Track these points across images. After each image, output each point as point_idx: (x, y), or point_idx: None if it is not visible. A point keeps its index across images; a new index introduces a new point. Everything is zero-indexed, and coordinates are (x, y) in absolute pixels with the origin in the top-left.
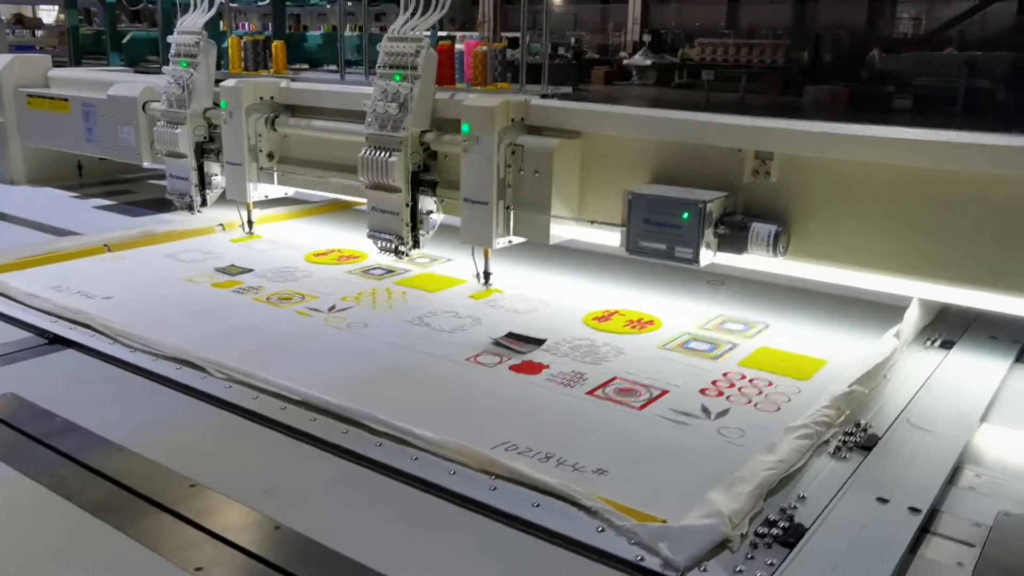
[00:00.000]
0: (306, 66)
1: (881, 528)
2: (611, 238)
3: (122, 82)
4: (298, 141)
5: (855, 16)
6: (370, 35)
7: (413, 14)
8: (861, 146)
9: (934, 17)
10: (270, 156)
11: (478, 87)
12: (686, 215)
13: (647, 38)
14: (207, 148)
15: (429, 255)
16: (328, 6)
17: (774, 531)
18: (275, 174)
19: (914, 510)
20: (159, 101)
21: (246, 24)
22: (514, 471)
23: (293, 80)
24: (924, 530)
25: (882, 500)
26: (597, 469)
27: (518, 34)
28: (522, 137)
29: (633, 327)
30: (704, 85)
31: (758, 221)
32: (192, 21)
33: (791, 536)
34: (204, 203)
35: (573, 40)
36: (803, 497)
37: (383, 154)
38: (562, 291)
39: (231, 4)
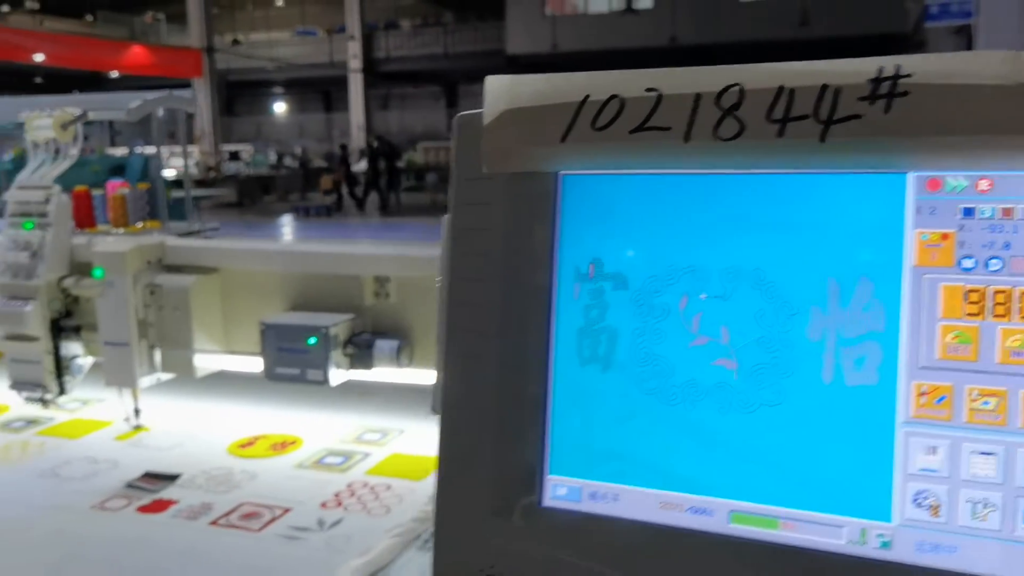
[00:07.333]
0: None
1: None
2: (257, 365)
3: None
4: None
5: None
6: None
7: (43, 163)
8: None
9: None
10: None
11: (120, 228)
12: (312, 340)
13: (374, 143)
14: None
15: (81, 398)
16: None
17: None
18: None
19: None
20: None
21: None
22: None
23: None
24: None
25: None
26: None
27: (241, 146)
28: (159, 276)
29: (276, 450)
30: (428, 187)
31: (381, 338)
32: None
33: None
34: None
35: (299, 149)
36: None
37: (17, 303)
38: (209, 422)
39: None
